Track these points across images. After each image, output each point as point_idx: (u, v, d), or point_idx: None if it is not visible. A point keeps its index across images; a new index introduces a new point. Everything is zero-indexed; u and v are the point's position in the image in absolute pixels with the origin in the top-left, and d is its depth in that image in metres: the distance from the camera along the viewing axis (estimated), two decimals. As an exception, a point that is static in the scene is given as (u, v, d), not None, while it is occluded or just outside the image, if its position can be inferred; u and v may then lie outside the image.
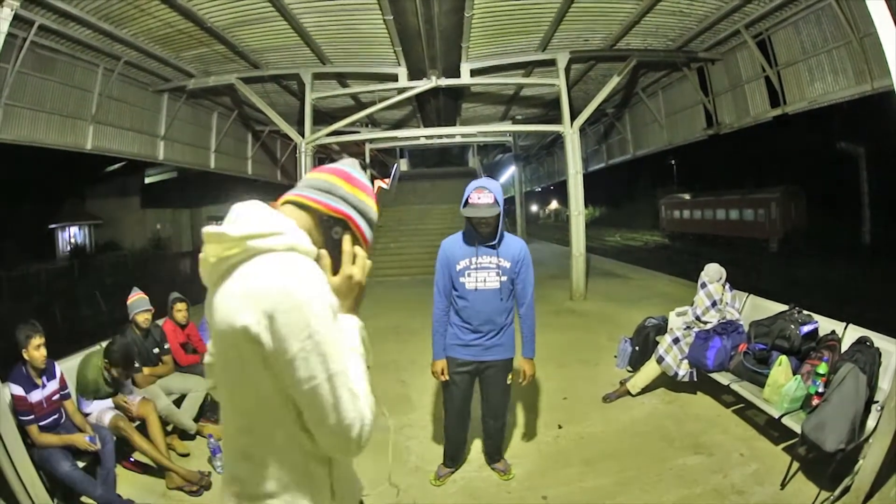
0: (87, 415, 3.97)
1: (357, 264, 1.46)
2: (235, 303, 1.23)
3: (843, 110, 14.07)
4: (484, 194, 3.24)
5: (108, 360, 4.00)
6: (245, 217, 1.32)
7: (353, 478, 1.56)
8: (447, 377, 3.62)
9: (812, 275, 17.79)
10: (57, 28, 7.40)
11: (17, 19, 6.61)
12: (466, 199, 3.28)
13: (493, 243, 3.42)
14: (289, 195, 1.49)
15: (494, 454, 4.05)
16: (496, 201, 3.25)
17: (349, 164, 1.56)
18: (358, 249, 1.48)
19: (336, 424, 1.25)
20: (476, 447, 4.27)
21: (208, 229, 1.30)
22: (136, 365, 4.50)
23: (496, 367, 3.63)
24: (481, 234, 3.38)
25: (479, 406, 3.90)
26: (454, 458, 4.00)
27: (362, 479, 1.76)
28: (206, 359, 1.47)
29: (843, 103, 8.34)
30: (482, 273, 3.44)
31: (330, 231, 1.45)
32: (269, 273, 1.23)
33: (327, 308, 1.26)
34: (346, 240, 1.46)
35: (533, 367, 3.68)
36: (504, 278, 3.46)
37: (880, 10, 2.97)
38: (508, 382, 3.72)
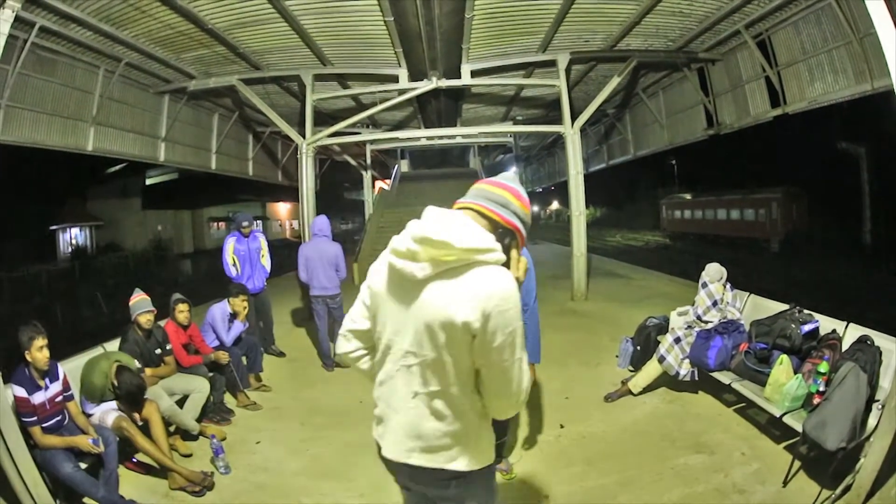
0: (89, 415, 3.98)
1: (521, 269, 1.81)
2: (459, 302, 1.63)
3: (844, 110, 14.08)
4: None
5: (117, 389, 3.99)
6: (456, 228, 1.67)
7: None
8: None
9: (813, 275, 17.78)
10: (58, 29, 7.40)
11: (17, 21, 6.62)
12: None
13: None
14: (470, 202, 1.84)
15: (497, 457, 4.05)
16: None
17: (516, 181, 1.92)
18: (521, 256, 1.85)
19: (514, 393, 1.74)
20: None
21: (428, 234, 1.65)
22: (140, 367, 4.51)
23: None
24: None
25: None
26: None
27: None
28: (355, 326, 1.99)
29: (843, 103, 8.34)
30: None
31: (503, 240, 1.78)
32: (491, 284, 1.63)
33: (520, 309, 1.68)
34: (514, 248, 1.84)
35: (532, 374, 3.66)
36: None
37: (879, 10, 2.97)
38: None
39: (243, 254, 7.03)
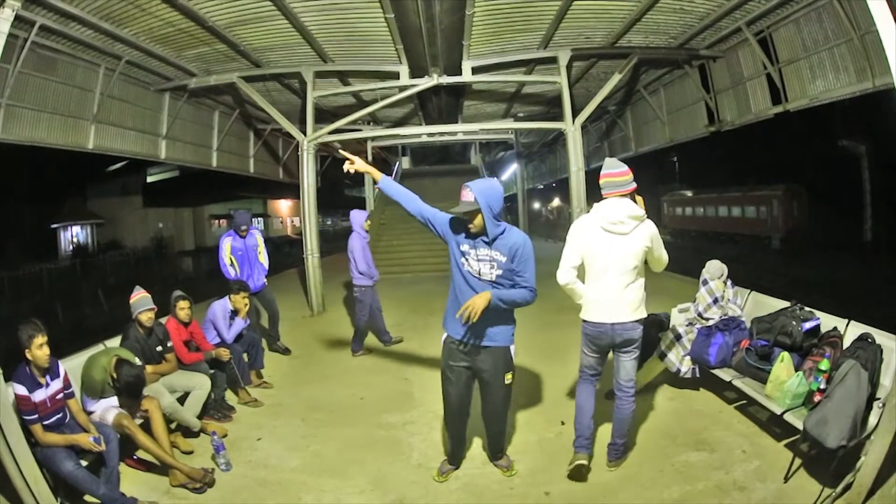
0: (90, 413, 3.98)
1: (643, 205, 3.68)
2: (643, 238, 3.63)
3: (845, 108, 14.06)
4: (465, 192, 3.38)
5: (116, 382, 3.99)
6: (632, 206, 3.59)
7: None
8: None
9: (814, 272, 17.76)
10: (58, 28, 7.39)
11: (18, 20, 6.62)
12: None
13: (487, 240, 3.44)
14: (617, 192, 3.65)
15: (496, 453, 4.06)
16: (475, 199, 3.33)
17: (615, 164, 3.73)
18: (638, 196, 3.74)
19: (666, 259, 3.87)
20: (478, 444, 4.28)
21: (631, 213, 3.57)
22: (140, 364, 4.52)
23: (492, 355, 3.65)
24: (469, 229, 3.47)
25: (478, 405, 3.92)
26: (453, 455, 4.04)
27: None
28: (572, 265, 3.84)
29: (844, 101, 8.32)
30: (478, 264, 3.48)
31: (633, 197, 3.68)
32: (651, 227, 3.69)
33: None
34: (636, 198, 3.71)
35: (483, 301, 3.32)
36: (500, 272, 3.46)
37: (881, 8, 2.96)
38: (507, 382, 3.73)
39: (241, 253, 6.95)
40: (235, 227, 7.01)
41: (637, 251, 3.62)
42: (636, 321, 3.76)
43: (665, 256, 3.80)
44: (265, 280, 7.23)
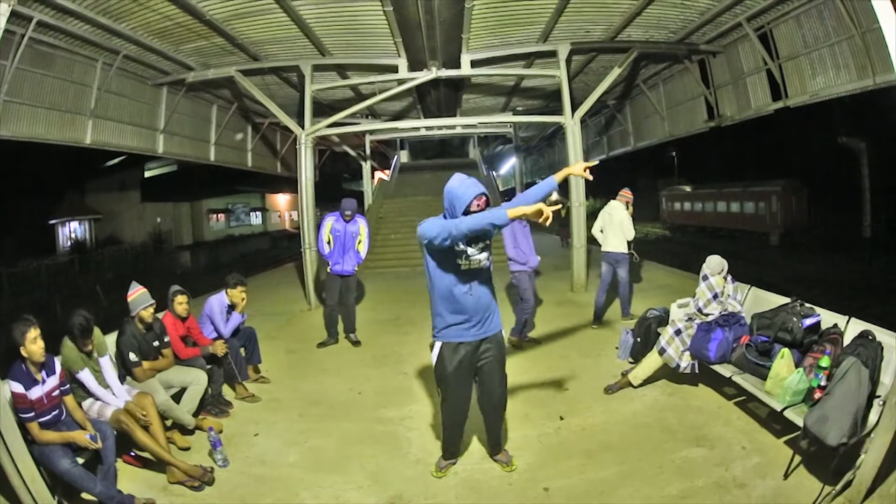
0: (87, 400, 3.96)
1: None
2: (624, 217, 7.56)
3: (845, 104, 14.05)
4: (482, 201, 3.35)
5: (70, 338, 3.98)
6: (621, 205, 7.60)
7: None
8: None
9: (813, 268, 17.77)
10: (55, 23, 7.35)
11: (15, 16, 6.59)
12: (468, 208, 3.32)
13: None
14: (621, 199, 7.68)
15: (497, 445, 4.04)
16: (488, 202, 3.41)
17: (627, 190, 7.78)
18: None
19: (631, 232, 7.72)
20: (476, 439, 4.27)
21: (620, 209, 7.57)
22: (137, 360, 4.50)
23: (494, 341, 3.68)
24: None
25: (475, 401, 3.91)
26: (451, 452, 4.03)
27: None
28: (598, 227, 7.87)
29: (843, 97, 8.31)
30: (479, 255, 3.50)
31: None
32: (626, 214, 7.63)
33: None
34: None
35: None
36: (488, 251, 3.57)
37: (885, 7, 2.93)
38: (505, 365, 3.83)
39: (339, 234, 7.16)
40: (341, 210, 7.21)
41: (622, 223, 7.44)
42: (622, 252, 7.49)
43: (629, 229, 7.47)
44: (355, 268, 7.32)
